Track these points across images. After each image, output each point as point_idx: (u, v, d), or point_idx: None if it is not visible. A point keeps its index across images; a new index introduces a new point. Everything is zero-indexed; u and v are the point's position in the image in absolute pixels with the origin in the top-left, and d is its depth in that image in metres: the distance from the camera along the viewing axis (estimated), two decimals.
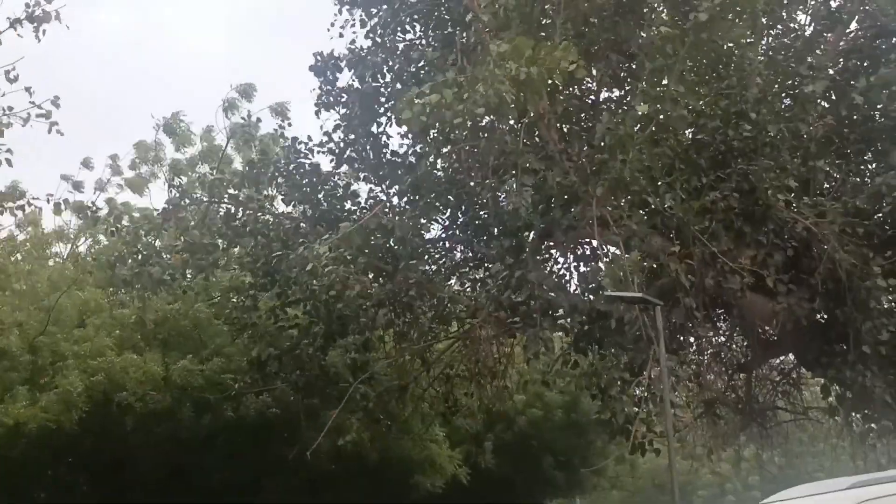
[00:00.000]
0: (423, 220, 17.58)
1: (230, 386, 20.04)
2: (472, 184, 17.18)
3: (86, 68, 65.21)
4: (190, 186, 19.20)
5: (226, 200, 17.43)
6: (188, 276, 17.46)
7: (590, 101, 17.53)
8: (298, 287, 16.09)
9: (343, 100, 18.09)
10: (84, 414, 18.40)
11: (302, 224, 17.55)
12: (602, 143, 14.85)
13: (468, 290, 18.65)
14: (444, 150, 16.35)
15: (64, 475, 21.09)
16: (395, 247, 16.60)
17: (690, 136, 15.66)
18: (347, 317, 16.27)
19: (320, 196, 17.69)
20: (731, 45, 16.04)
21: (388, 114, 18.00)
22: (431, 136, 14.90)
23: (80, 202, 22.02)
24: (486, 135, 14.92)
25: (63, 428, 18.08)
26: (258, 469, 22.51)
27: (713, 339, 19.71)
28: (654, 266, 16.04)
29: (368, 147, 18.12)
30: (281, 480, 23.59)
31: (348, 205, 17.85)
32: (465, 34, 16.04)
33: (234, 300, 18.74)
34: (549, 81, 13.05)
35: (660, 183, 14.84)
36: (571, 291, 16.88)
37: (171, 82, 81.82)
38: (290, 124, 19.26)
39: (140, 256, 16.92)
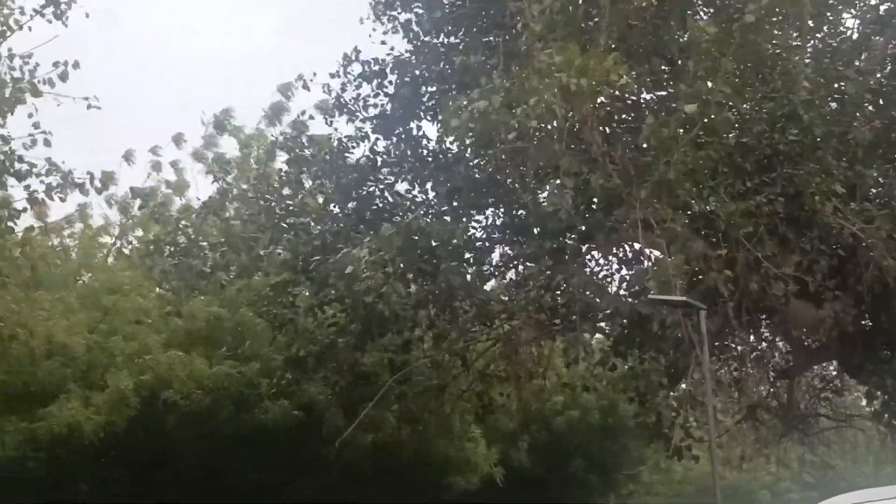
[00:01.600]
0: (462, 222, 17.61)
1: (269, 385, 20.16)
2: (512, 185, 17.20)
3: (116, 67, 65.95)
4: (234, 181, 19.23)
5: (269, 197, 17.54)
6: (229, 271, 17.54)
7: (630, 103, 17.46)
8: (337, 290, 16.13)
9: (372, 102, 18.22)
10: (134, 413, 18.61)
11: (342, 224, 17.62)
12: (646, 145, 14.78)
13: (508, 291, 18.67)
14: (486, 152, 16.39)
15: (105, 471, 21.26)
16: (435, 248, 16.64)
17: (735, 139, 15.53)
18: (386, 317, 16.31)
19: (361, 196, 17.75)
20: (777, 47, 15.91)
21: (428, 116, 18.09)
22: (473, 139, 14.92)
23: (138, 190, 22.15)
24: (529, 138, 14.91)
25: (112, 426, 18.28)
26: (294, 468, 22.62)
27: (755, 345, 19.53)
28: (696, 270, 15.95)
29: (408, 150, 18.19)
30: (316, 479, 23.71)
31: (388, 205, 17.89)
32: (507, 38, 16.06)
33: (275, 297, 18.84)
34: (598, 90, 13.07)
35: (704, 186, 14.73)
36: (612, 294, 16.82)
37: (204, 80, 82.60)
38: (332, 125, 19.24)
39: (180, 248, 17.09)
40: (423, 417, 20.07)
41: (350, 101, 18.42)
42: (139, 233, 23.43)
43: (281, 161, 19.28)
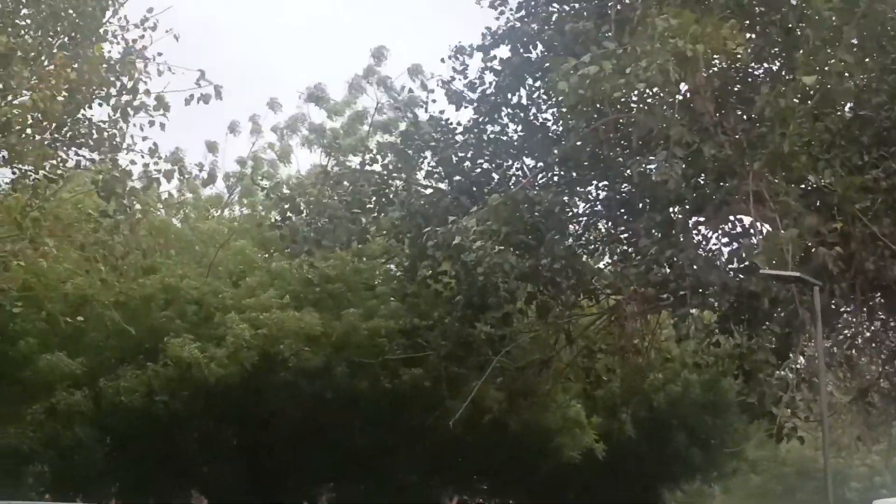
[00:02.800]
0: (568, 194, 17.51)
1: (381, 351, 20.55)
2: (618, 157, 17.01)
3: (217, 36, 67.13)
4: (340, 152, 19.58)
5: (376, 169, 17.79)
6: (338, 239, 17.87)
7: (744, 73, 17.02)
8: (444, 260, 16.23)
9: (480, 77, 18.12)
10: (247, 368, 19.19)
11: (447, 196, 17.70)
12: (761, 116, 14.43)
13: (613, 265, 18.49)
14: (592, 122, 16.19)
15: (214, 425, 22.11)
16: (539, 221, 16.59)
17: (853, 111, 15.02)
18: (489, 290, 16.37)
19: (465, 169, 17.81)
20: None
21: (537, 85, 17.94)
22: (582, 109, 14.78)
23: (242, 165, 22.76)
24: (640, 107, 14.74)
25: (223, 380, 18.91)
26: (397, 434, 23.06)
27: (868, 325, 18.92)
28: (809, 245, 15.52)
29: (516, 120, 18.12)
30: (419, 448, 24.12)
31: (495, 178, 17.90)
32: (619, 4, 15.82)
33: (389, 267, 19.14)
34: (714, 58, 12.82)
35: (819, 159, 14.31)
36: (720, 269, 16.49)
37: (301, 52, 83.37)
38: (434, 101, 19.23)
39: (296, 218, 17.47)
40: (527, 391, 20.12)
41: (459, 70, 18.42)
42: (248, 199, 24.01)
43: (381, 134, 19.44)
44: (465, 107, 18.04)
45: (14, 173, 14.49)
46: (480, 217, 14.88)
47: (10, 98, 13.35)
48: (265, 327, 19.39)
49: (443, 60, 18.28)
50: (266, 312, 19.58)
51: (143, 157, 15.25)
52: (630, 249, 17.52)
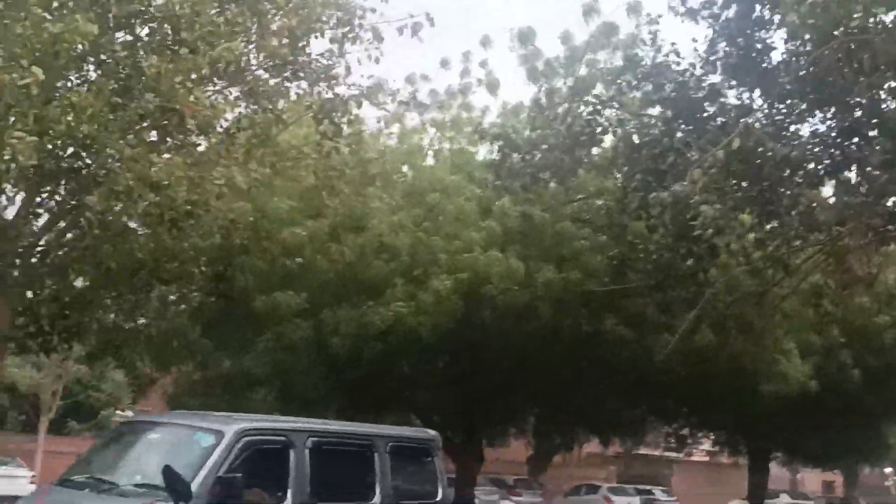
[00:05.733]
0: (791, 123, 16.61)
1: (587, 289, 20.53)
2: (847, 85, 15.91)
3: None
4: (554, 86, 19.22)
5: (589, 100, 17.43)
6: (551, 173, 17.75)
7: None
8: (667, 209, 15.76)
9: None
10: (455, 313, 19.75)
11: (663, 128, 17.12)
12: None
13: (837, 196, 17.46)
14: (820, 50, 15.19)
15: (426, 353, 22.87)
16: (761, 150, 15.83)
17: None
18: (703, 221, 15.83)
19: (685, 98, 17.13)
20: None
21: (763, 14, 16.94)
22: (810, 36, 13.89)
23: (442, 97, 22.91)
24: (874, 30, 13.66)
25: (433, 321, 19.54)
26: (601, 366, 23.10)
27: None
28: None
29: (739, 51, 17.21)
30: (621, 379, 24.12)
31: (713, 108, 17.15)
32: None
33: (600, 202, 18.94)
34: None
35: None
36: None
37: None
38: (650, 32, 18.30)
39: (507, 153, 17.45)
40: (740, 325, 19.57)
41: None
42: (454, 133, 24.19)
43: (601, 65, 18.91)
44: (698, 21, 17.21)
45: (245, 112, 15.33)
46: (705, 166, 14.21)
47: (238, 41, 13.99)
48: (472, 271, 19.76)
49: None
50: (471, 253, 19.95)
51: (359, 88, 15.82)
52: (856, 179, 16.52)
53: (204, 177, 13.34)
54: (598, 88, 18.28)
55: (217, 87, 14.79)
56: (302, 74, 15.36)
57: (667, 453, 48.67)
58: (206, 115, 13.21)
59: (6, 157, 11.45)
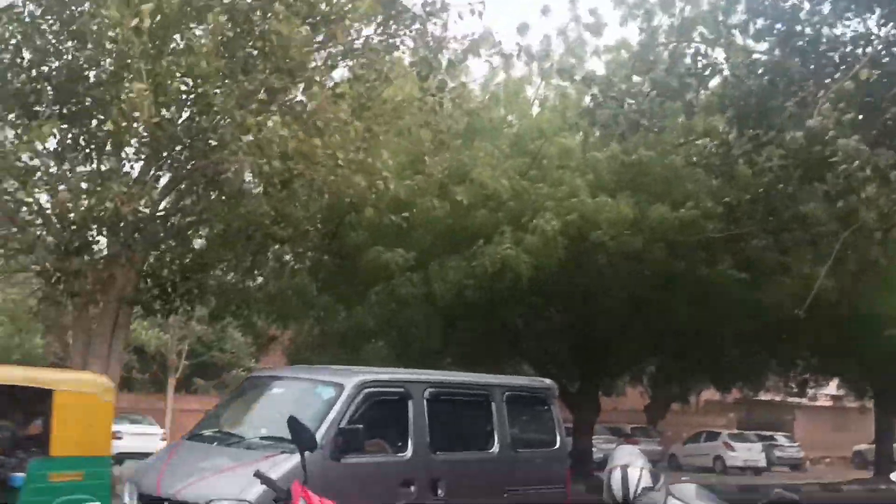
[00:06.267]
0: None
1: (702, 231, 20.11)
2: None
3: None
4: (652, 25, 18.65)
5: (695, 40, 16.85)
6: (659, 116, 17.29)
7: None
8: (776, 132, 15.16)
9: None
10: (562, 254, 19.53)
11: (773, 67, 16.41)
12: None
13: None
14: None
15: (539, 303, 22.81)
16: (886, 81, 14.99)
17: None
18: (828, 161, 15.17)
19: (797, 36, 16.39)
20: None
21: None
22: None
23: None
24: None
25: (542, 265, 19.41)
26: (716, 313, 22.65)
27: None
28: None
29: None
30: (738, 324, 23.60)
31: (828, 48, 16.35)
32: None
33: (708, 145, 18.37)
34: None
35: None
36: None
37: None
38: None
39: (608, 99, 17.05)
40: (864, 268, 18.82)
41: None
42: (558, 80, 23.81)
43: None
44: None
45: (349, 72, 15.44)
46: (832, 98, 13.54)
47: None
48: (575, 213, 19.55)
49: None
50: (575, 199, 19.72)
51: (462, 42, 15.75)
52: None
53: (310, 140, 13.46)
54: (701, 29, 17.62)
55: (319, 41, 14.82)
56: (402, 33, 15.40)
57: (789, 399, 47.51)
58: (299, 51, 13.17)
59: (125, 111, 11.79)
